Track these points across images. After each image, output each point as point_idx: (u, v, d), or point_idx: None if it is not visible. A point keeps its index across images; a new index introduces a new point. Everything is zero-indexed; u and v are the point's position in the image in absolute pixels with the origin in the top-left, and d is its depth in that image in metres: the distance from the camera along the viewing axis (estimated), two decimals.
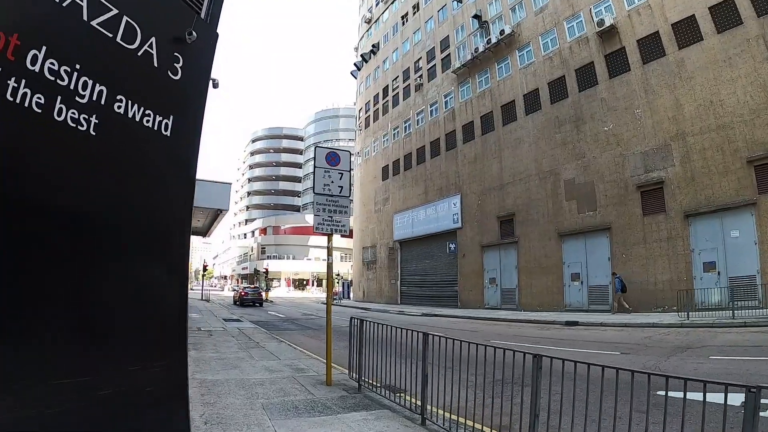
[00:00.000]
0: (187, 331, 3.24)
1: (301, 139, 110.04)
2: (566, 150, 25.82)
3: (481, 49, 32.22)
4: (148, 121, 2.83)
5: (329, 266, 8.26)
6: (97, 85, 2.53)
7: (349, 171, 8.46)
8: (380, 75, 49.45)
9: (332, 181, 8.10)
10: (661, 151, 21.27)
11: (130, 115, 2.72)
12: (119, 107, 2.66)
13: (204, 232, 27.22)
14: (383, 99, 47.78)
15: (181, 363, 3.21)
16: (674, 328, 14.77)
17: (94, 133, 2.51)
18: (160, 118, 2.90)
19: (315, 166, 8.12)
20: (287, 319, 23.34)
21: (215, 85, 5.40)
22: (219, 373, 8.18)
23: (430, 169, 37.76)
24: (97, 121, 2.52)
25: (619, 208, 22.70)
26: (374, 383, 6.81)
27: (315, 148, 8.38)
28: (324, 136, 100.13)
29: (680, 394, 3.02)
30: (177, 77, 3.00)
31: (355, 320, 7.64)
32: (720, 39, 19.64)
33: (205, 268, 50.66)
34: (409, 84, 42.81)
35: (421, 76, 41.01)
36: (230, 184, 17.75)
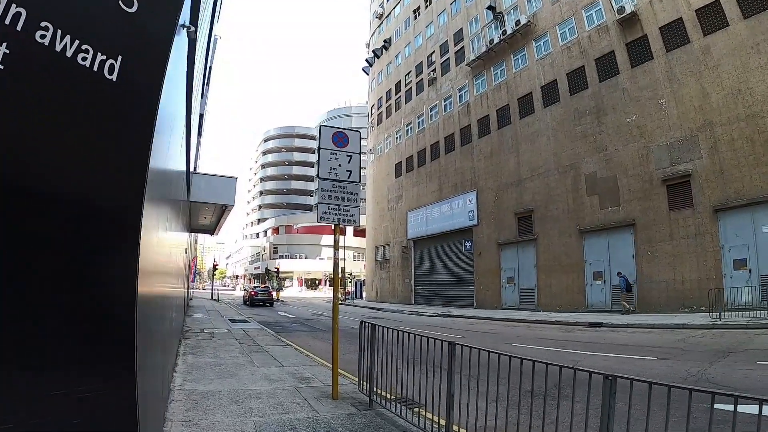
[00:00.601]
0: (135, 350, 2.31)
1: (313, 138, 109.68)
2: (587, 143, 25.15)
3: (496, 40, 31.72)
4: (84, 59, 2.14)
5: (336, 262, 7.44)
6: (13, 4, 1.89)
7: (359, 153, 7.60)
8: (392, 70, 49.23)
9: (339, 165, 7.28)
10: (688, 143, 20.53)
11: (59, 47, 2.06)
12: (42, 36, 2.02)
13: (212, 230, 27.02)
14: (396, 95, 47.51)
15: (128, 388, 2.35)
16: (706, 329, 14.18)
17: (1, 66, 1.88)
18: (103, 57, 2.20)
19: (319, 148, 7.32)
20: (296, 319, 23.14)
21: (190, 35, 4.80)
22: (212, 383, 7.45)
23: (445, 165, 37.26)
24: (7, 51, 1.89)
25: (643, 203, 21.99)
26: (387, 395, 6.02)
27: (320, 127, 7.57)
28: None
29: (749, 409, 2.57)
30: (132, 9, 2.30)
31: (366, 324, 6.82)
32: (746, 25, 18.91)
33: (215, 268, 50.64)
34: (422, 79, 42.48)
35: (434, 71, 40.60)
36: (236, 178, 17.35)
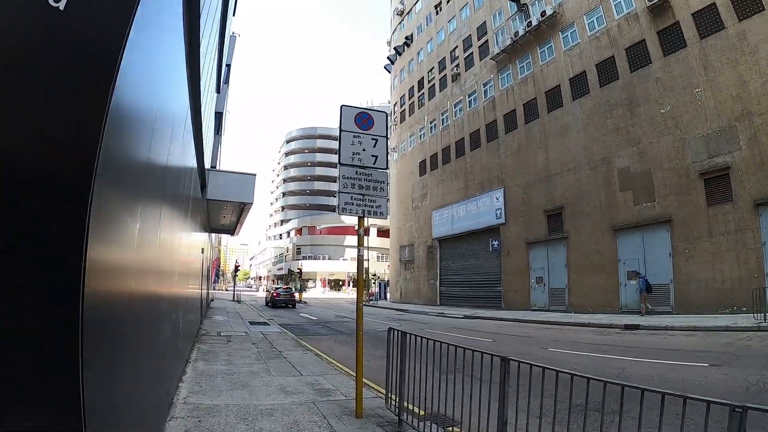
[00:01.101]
0: (81, 383, 1.68)
1: (335, 138, 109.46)
2: (619, 136, 24.46)
3: (521, 33, 31.22)
4: None
5: (360, 260, 6.52)
6: None
7: (386, 137, 6.83)
8: (415, 67, 49.03)
9: (363, 149, 6.52)
10: (726, 134, 19.74)
11: None
12: None
13: (232, 230, 27.13)
14: (419, 92, 47.27)
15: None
16: (752, 332, 13.56)
17: None
18: None
19: (341, 130, 6.54)
20: (319, 321, 22.95)
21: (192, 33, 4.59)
22: (221, 395, 6.77)
23: (471, 162, 36.84)
24: None
25: (680, 198, 21.23)
26: (419, 412, 5.26)
27: (341, 108, 6.69)
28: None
29: None
30: None
31: (396, 332, 6.03)
32: None
33: (237, 269, 51.14)
34: (446, 74, 42.15)
35: (457, 66, 40.17)
36: (254, 175, 17.24)
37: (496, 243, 32.56)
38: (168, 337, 5.54)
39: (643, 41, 23.62)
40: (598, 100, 25.93)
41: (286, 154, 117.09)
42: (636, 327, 16.77)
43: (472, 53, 38.46)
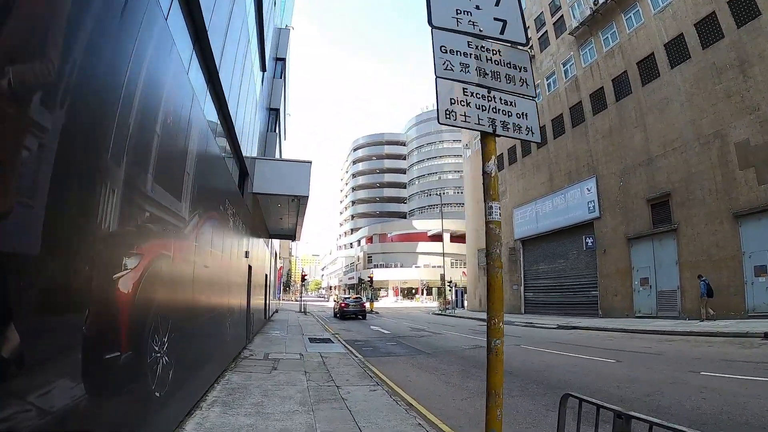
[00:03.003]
0: None
1: (403, 144, 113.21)
2: (732, 104, 21.40)
3: (600, 0, 28.36)
4: None
5: (491, 230, 3.47)
6: None
7: None
8: None
9: (477, 6, 3.84)
10: None
11: None
12: None
13: (293, 234, 26.14)
14: None
15: None
16: None
17: None
18: None
19: None
20: (392, 336, 20.70)
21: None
22: None
23: (554, 152, 34.36)
24: None
25: None
26: None
27: None
28: (427, 139, 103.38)
29: None
30: None
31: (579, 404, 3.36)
32: None
33: (303, 278, 51.14)
34: None
35: (531, 47, 37.84)
36: (309, 162, 15.87)
37: (590, 240, 29.71)
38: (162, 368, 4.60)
39: None
40: (702, 65, 22.97)
41: (354, 162, 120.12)
42: None
43: (546, 32, 36.49)
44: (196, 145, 5.88)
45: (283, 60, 24.12)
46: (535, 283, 36.65)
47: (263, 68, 15.52)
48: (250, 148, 13.06)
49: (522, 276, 37.91)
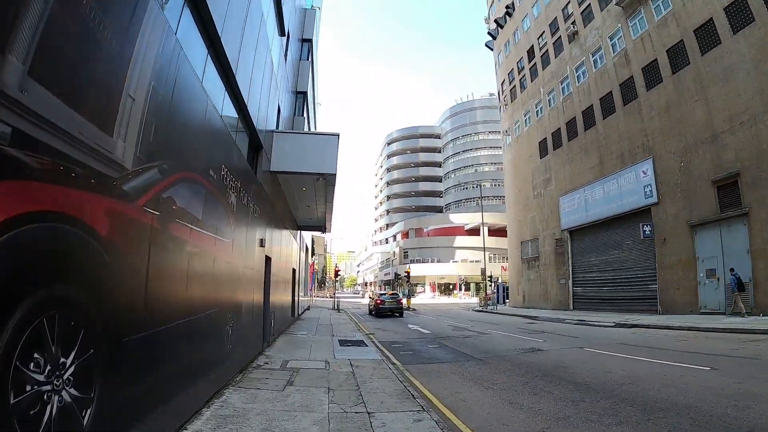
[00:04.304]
0: None
1: (438, 136, 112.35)
2: None
3: None
4: None
5: None
6: None
7: None
8: (521, 37, 45.67)
9: None
10: None
11: None
12: None
13: (323, 225, 24.61)
14: (529, 63, 43.53)
15: None
16: None
17: None
18: None
19: None
20: (433, 337, 18.46)
21: None
22: None
23: (604, 133, 31.75)
24: None
25: None
26: None
27: None
28: (462, 131, 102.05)
29: None
30: None
31: None
32: None
33: (337, 273, 50.26)
34: (560, 36, 38.06)
35: (573, 23, 35.69)
36: (337, 135, 13.95)
37: (647, 229, 27.06)
38: None
39: None
40: None
41: (388, 157, 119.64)
42: None
43: (589, 4, 33.92)
44: (152, 61, 4.22)
45: (310, 41, 22.99)
46: (584, 276, 33.98)
47: (282, 32, 13.87)
48: (265, 121, 11.42)
49: (570, 269, 35.28)
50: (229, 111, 8.18)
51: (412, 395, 7.82)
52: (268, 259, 12.65)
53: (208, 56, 6.52)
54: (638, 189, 28.12)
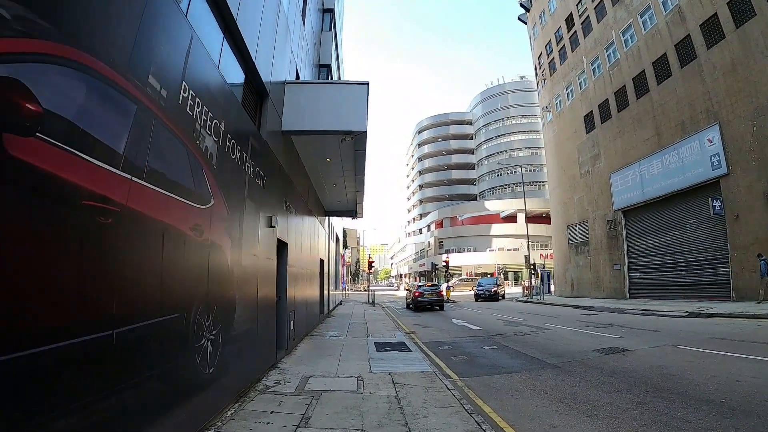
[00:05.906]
0: None
1: (469, 122, 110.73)
2: None
3: None
4: None
5: None
6: None
7: None
8: (557, 4, 42.98)
9: None
10: None
11: None
12: None
13: (353, 210, 22.76)
14: (569, 31, 40.71)
15: None
16: None
17: None
18: None
19: None
20: (485, 335, 15.72)
21: None
22: None
23: (660, 100, 28.81)
24: None
25: None
26: None
27: None
28: (494, 116, 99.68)
29: None
30: None
31: None
32: None
33: (371, 264, 48.36)
34: (602, 0, 34.58)
35: None
36: (366, 84, 11.14)
37: (717, 204, 24.04)
38: None
39: None
40: None
41: (419, 145, 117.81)
42: None
43: None
44: None
45: (332, 11, 21.50)
46: (641, 261, 31.11)
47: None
48: (270, 66, 9.35)
49: (625, 253, 32.38)
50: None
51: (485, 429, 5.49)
52: (282, 245, 10.53)
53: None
54: (703, 160, 25.15)
